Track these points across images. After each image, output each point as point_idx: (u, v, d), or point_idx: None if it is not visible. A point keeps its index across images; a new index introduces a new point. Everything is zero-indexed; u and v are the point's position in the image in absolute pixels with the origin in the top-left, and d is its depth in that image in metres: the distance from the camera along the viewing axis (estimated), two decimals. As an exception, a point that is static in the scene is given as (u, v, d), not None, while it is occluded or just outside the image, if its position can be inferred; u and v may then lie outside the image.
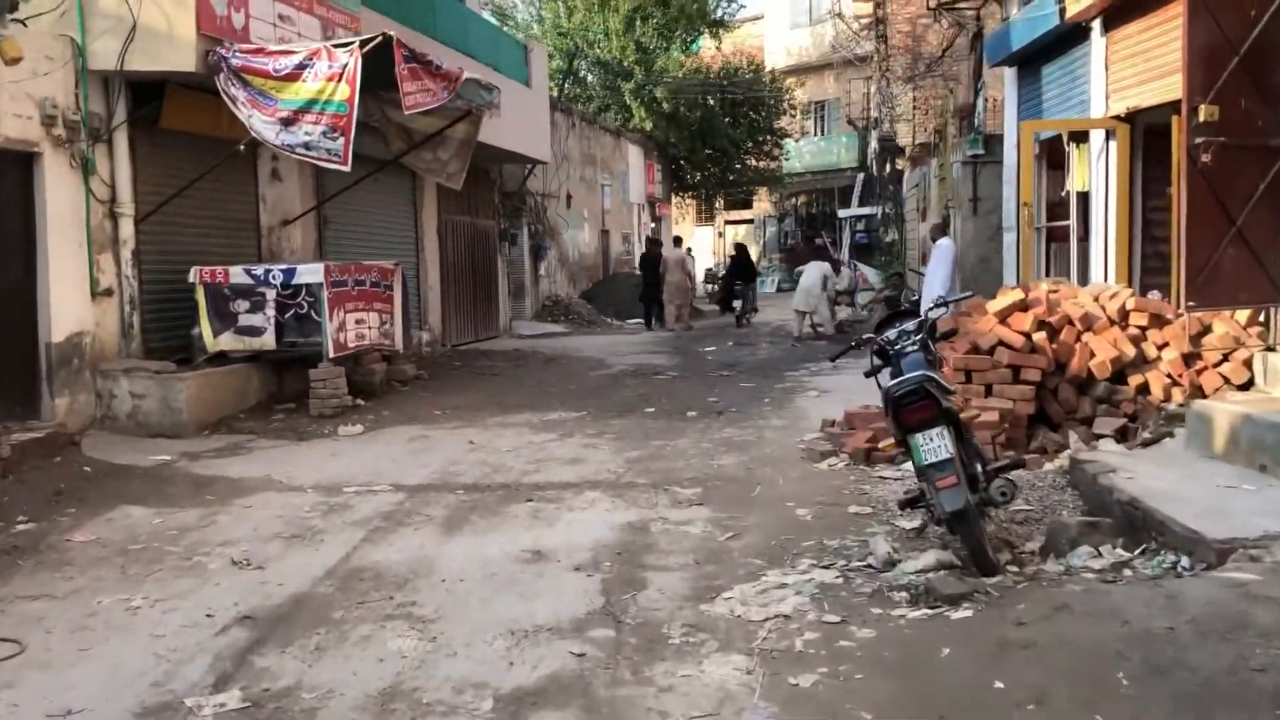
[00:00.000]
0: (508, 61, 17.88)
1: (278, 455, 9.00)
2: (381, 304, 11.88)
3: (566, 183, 24.52)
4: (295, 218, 13.02)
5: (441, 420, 10.58)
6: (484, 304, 19.52)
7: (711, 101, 34.56)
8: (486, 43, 17.16)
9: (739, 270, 24.15)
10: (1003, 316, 8.06)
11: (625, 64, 32.82)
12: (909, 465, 7.34)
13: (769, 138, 37.08)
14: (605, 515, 6.77)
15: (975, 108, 15.44)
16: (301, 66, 9.72)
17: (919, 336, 6.02)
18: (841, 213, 31.30)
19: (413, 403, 11.50)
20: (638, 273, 29.33)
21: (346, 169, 9.81)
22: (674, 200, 38.78)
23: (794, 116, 38.22)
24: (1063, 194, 11.87)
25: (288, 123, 9.69)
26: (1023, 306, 8.04)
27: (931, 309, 6.53)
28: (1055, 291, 8.35)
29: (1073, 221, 11.62)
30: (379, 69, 10.12)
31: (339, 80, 9.62)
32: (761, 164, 38.02)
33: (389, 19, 12.79)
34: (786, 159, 38.81)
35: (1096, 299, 8.11)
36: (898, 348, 5.97)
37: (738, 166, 36.93)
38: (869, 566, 5.42)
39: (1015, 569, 5.28)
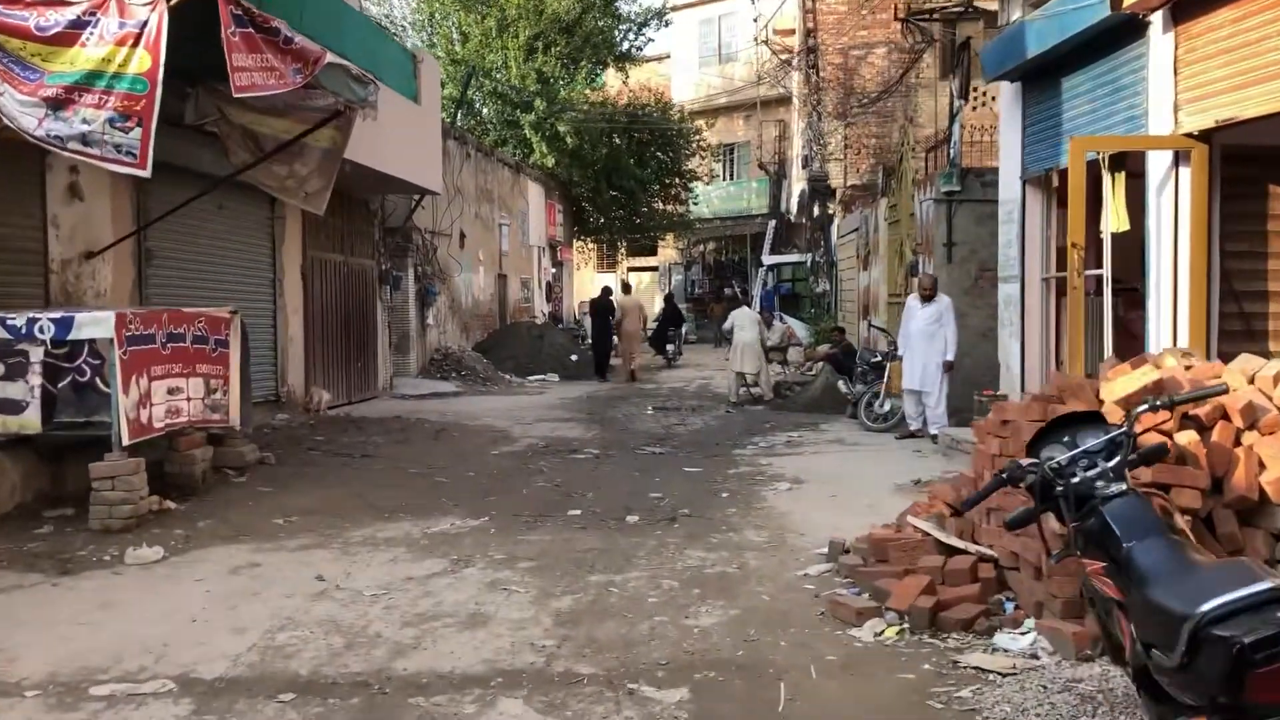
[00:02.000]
0: (393, 71, 14.87)
1: (10, 607, 5.82)
2: (209, 366, 8.76)
3: (459, 220, 21.56)
4: (103, 249, 9.82)
5: (283, 534, 7.48)
6: (359, 359, 16.36)
7: (618, 140, 32.01)
8: (366, 45, 14.14)
9: (670, 318, 26.81)
10: (1127, 406, 5.40)
11: (525, 94, 30.08)
12: (1008, 642, 4.64)
13: (678, 180, 34.69)
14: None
15: (951, 136, 13.05)
16: (79, 24, 6.68)
17: (1116, 462, 3.32)
18: (766, 259, 28.91)
19: (246, 504, 8.35)
20: (545, 321, 26.54)
21: (145, 173, 6.78)
22: (575, 245, 36.05)
23: (704, 157, 35.93)
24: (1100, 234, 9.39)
25: (57, 105, 6.64)
26: (1156, 389, 5.40)
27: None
28: (1189, 368, 5.74)
29: (1106, 271, 9.13)
30: (212, 48, 7.17)
31: (135, 45, 6.61)
32: (669, 207, 35.58)
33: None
34: (695, 203, 36.44)
35: (1252, 380, 5.52)
36: (1088, 485, 3.25)
37: (644, 210, 34.40)
38: None
39: None
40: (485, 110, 31.88)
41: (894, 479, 9.61)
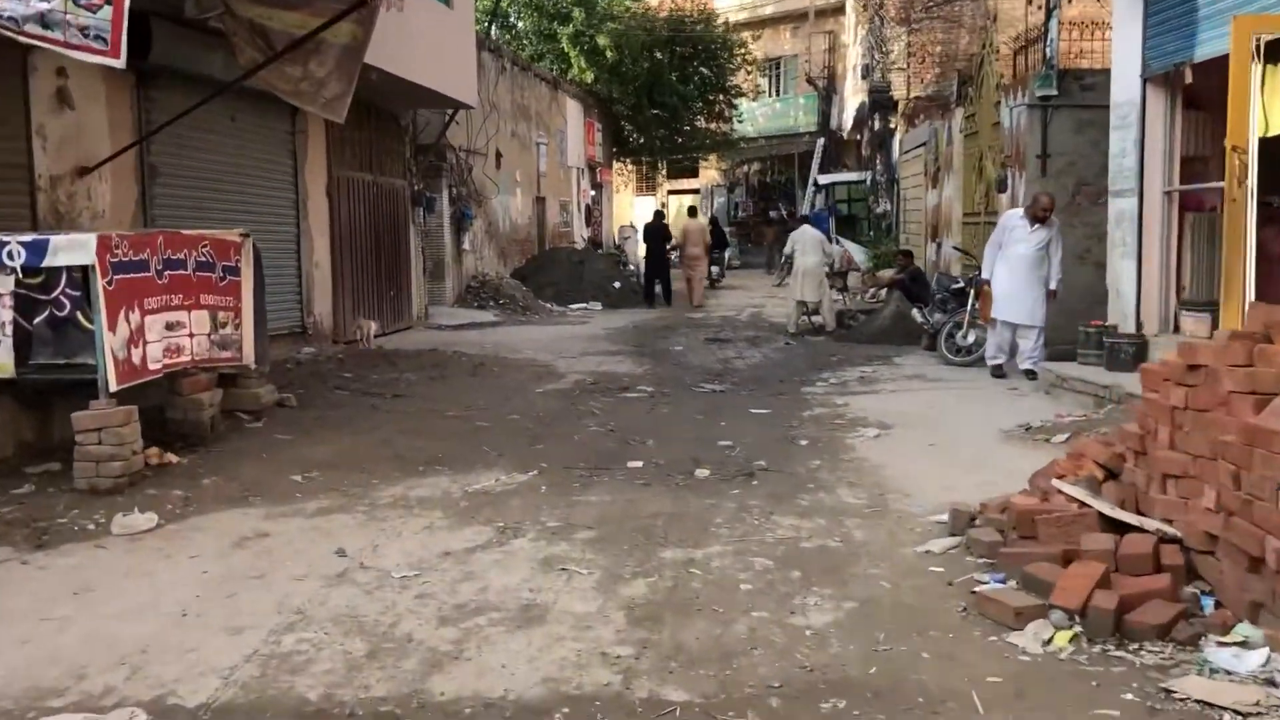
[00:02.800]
0: (421, -30, 13.56)
1: (-35, 595, 4.80)
2: (216, 296, 7.66)
3: (495, 138, 20.27)
4: (98, 164, 8.69)
5: (300, 494, 6.42)
6: (391, 287, 15.25)
7: (659, 54, 30.35)
8: (392, -60, 12.81)
9: (714, 241, 23.94)
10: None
11: (562, 5, 28.48)
12: (1227, 659, 3.48)
13: (722, 96, 33.01)
14: None
15: (1047, 33, 11.57)
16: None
17: None
18: (821, 178, 27.30)
19: (260, 456, 7.29)
20: (585, 246, 25.27)
21: (118, 63, 5.61)
22: (614, 166, 34.59)
23: (750, 72, 34.20)
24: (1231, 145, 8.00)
25: (11, -20, 5.42)
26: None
27: None
28: None
29: (1252, 182, 7.76)
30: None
31: (103, -97, 5.37)
32: (713, 126, 33.93)
33: None
34: (740, 121, 34.76)
35: None
36: None
37: (687, 128, 32.79)
38: None
39: None
40: (521, 23, 30.34)
41: (997, 423, 8.40)
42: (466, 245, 18.64)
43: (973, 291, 11.79)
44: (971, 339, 11.71)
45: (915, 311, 13.29)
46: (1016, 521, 5.03)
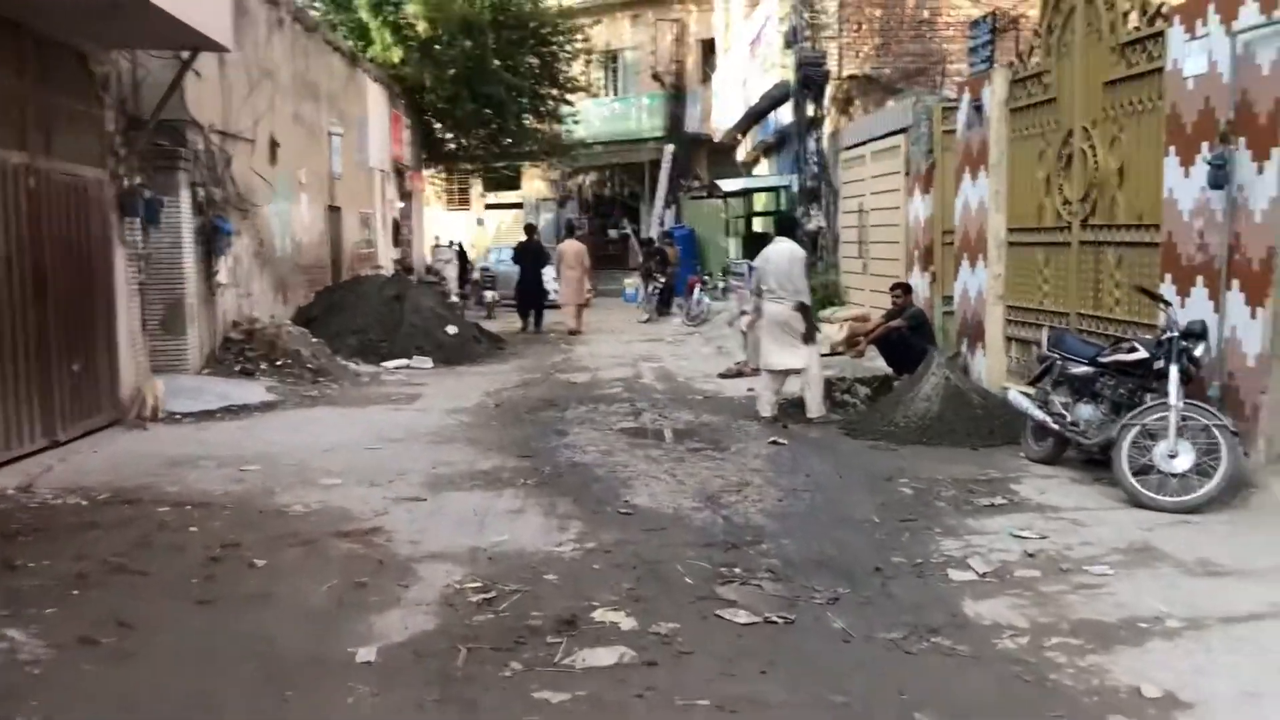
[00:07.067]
0: None
1: None
2: None
3: (269, 119, 13.77)
4: None
5: None
6: (73, 357, 8.59)
7: (482, 35, 24.06)
8: None
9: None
10: None
11: (361, -37, 22.09)
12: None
13: (555, 91, 27.03)
14: None
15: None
16: None
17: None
18: (727, 184, 21.48)
19: None
20: (395, 273, 18.68)
21: None
22: (424, 173, 28.11)
23: (588, 63, 28.48)
24: None
25: None
26: None
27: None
28: None
29: None
30: None
31: None
32: (542, 127, 27.85)
33: None
34: (576, 122, 28.87)
35: None
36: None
37: (514, 128, 26.56)
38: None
39: None
40: (307, -14, 23.65)
41: None
42: (223, 276, 12.03)
43: (1176, 367, 6.36)
44: (1188, 461, 6.24)
45: (1018, 396, 7.72)
46: None
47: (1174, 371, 6.39)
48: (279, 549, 5.64)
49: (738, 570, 5.32)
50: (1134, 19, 7.87)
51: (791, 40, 15.41)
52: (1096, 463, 7.29)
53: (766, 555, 5.59)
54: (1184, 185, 7.13)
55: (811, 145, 15.36)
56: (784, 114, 17.72)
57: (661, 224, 28.86)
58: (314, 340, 13.02)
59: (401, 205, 23.79)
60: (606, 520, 6.26)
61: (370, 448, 8.41)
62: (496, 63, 24.44)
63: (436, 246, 27.49)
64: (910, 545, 5.71)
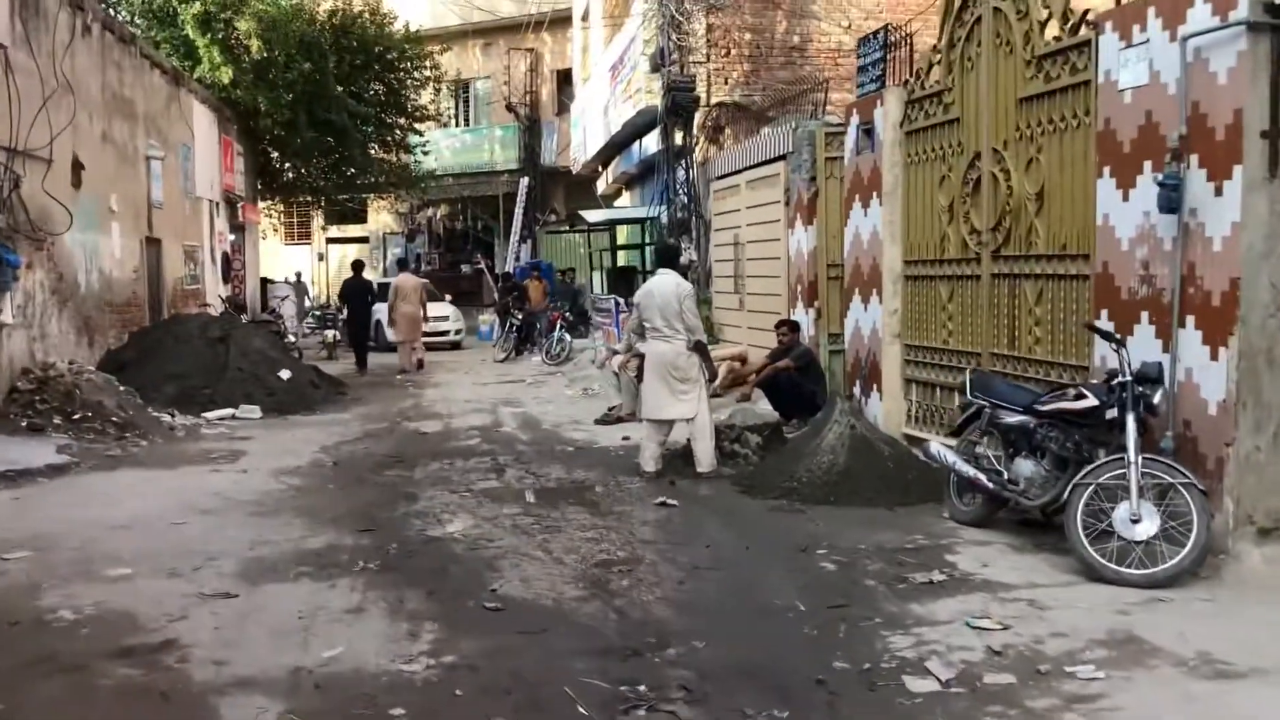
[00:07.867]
0: None
1: None
2: None
3: (71, 137, 12.04)
4: None
5: None
6: None
7: (322, 58, 22.40)
8: None
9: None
10: None
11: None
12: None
13: (401, 120, 25.52)
14: None
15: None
16: None
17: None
18: (591, 216, 20.21)
19: None
20: (224, 312, 16.87)
21: None
22: (260, 205, 26.16)
23: (438, 91, 27.10)
24: None
25: None
26: None
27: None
28: None
29: None
30: None
31: None
32: (389, 157, 26.26)
33: None
34: (425, 153, 27.38)
35: None
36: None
37: (359, 157, 24.87)
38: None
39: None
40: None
41: None
42: (8, 316, 10.27)
43: (1133, 417, 5.50)
44: (1153, 526, 5.36)
45: (941, 449, 6.75)
46: None
47: (1131, 422, 5.51)
48: (25, 683, 4.18)
49: (643, 689, 4.15)
50: (1054, 28, 7.10)
51: (659, 63, 14.48)
52: (1032, 524, 6.42)
53: (676, 664, 4.43)
54: (1122, 210, 6.33)
55: (681, 174, 14.44)
56: (649, 143, 16.80)
57: (518, 258, 27.65)
58: (122, 389, 11.30)
59: (233, 238, 21.92)
60: (470, 620, 5.00)
61: (175, 522, 6.92)
62: (339, 88, 22.90)
63: (273, 284, 25.55)
64: (851, 643, 4.63)
